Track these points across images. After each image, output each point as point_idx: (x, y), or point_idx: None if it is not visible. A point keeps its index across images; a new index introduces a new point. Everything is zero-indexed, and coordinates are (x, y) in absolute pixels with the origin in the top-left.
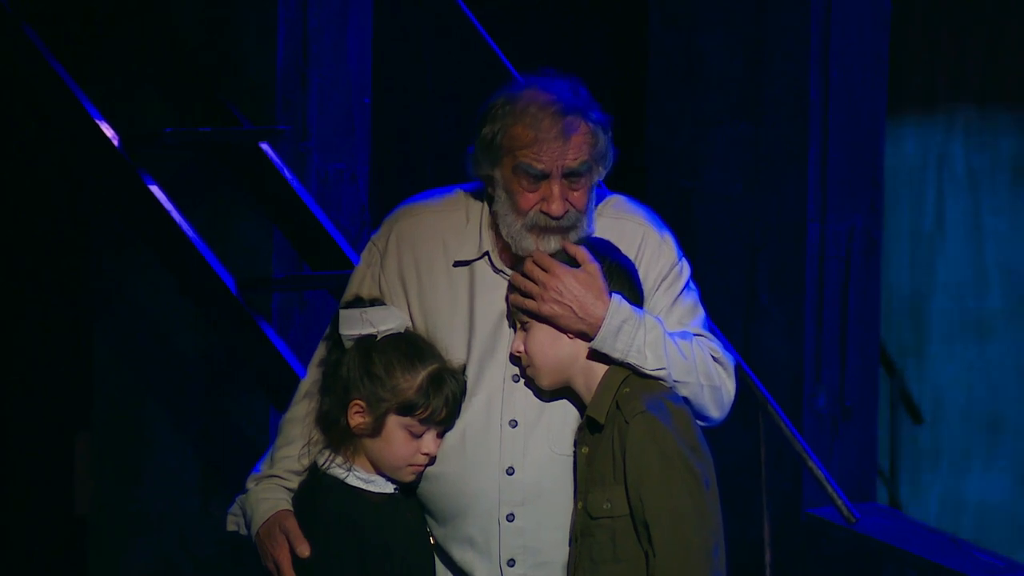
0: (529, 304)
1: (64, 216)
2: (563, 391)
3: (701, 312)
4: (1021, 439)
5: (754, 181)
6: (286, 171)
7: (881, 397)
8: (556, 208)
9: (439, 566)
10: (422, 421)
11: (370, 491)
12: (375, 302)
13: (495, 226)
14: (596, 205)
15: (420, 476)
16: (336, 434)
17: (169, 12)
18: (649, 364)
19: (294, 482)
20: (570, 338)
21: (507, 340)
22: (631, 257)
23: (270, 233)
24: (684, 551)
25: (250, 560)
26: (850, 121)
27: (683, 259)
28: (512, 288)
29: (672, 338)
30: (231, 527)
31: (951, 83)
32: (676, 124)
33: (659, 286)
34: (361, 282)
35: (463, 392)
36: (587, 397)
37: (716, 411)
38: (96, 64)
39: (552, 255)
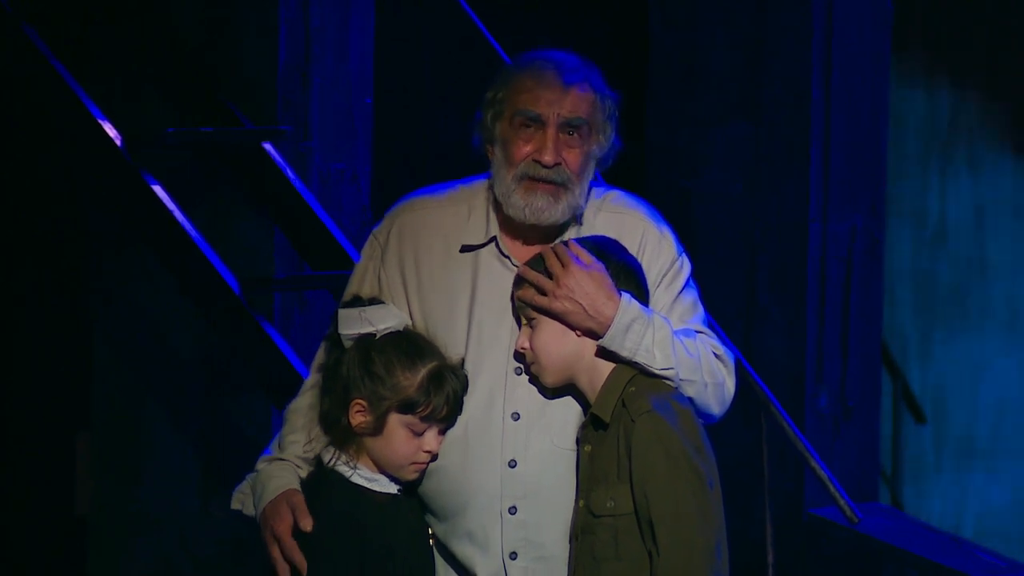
0: (540, 300)
1: (64, 216)
2: (566, 386)
3: (701, 309)
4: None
5: (755, 181)
6: (288, 171)
7: (883, 396)
8: (548, 156)
9: (440, 564)
10: (423, 419)
11: (373, 490)
12: (374, 301)
13: (499, 210)
14: (595, 199)
15: (423, 474)
16: (338, 433)
17: (170, 12)
18: (657, 363)
19: (304, 469)
20: (578, 336)
21: (510, 332)
22: (632, 253)
23: (271, 233)
24: (688, 550)
25: (250, 560)
26: (851, 120)
27: (683, 255)
28: (519, 282)
29: (678, 337)
30: (236, 505)
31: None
32: (676, 123)
33: (660, 282)
34: (363, 276)
35: (464, 389)
36: (591, 395)
37: (718, 408)
38: (97, 64)
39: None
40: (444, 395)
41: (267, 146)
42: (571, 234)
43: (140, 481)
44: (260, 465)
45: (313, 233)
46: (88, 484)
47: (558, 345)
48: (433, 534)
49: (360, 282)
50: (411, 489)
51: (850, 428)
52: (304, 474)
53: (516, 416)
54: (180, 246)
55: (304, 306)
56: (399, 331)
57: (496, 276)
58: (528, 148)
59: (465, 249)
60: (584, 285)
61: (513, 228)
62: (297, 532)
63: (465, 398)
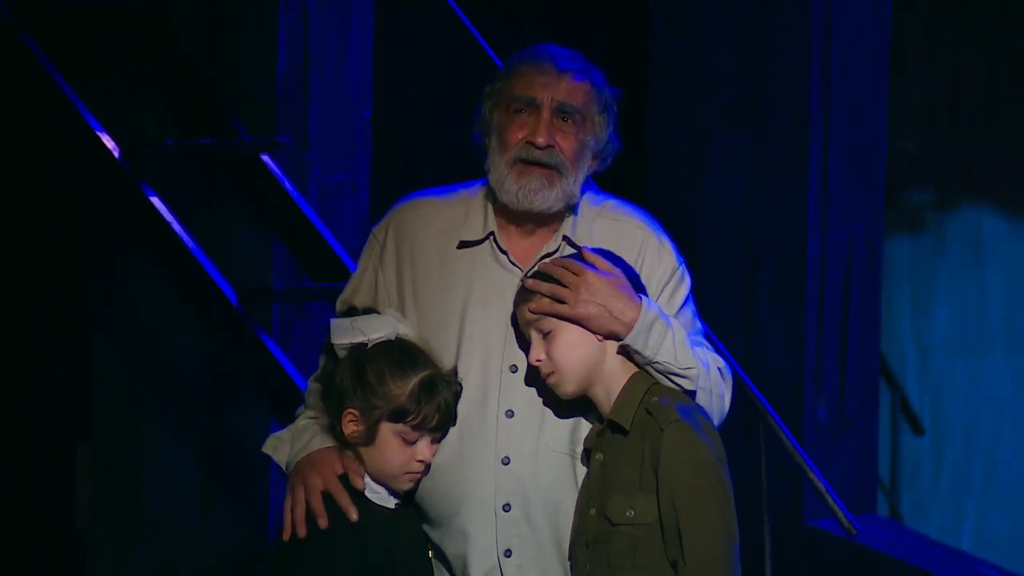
0: (560, 308)
1: (63, 226)
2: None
3: (699, 324)
4: None
5: (754, 189)
6: (286, 182)
7: (882, 408)
8: (541, 137)
9: (435, 563)
10: (415, 427)
11: (376, 504)
12: (367, 311)
13: (497, 208)
14: (593, 206)
15: (417, 485)
16: (334, 443)
17: (169, 21)
18: (680, 363)
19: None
20: (599, 340)
21: (506, 329)
22: (631, 261)
23: (270, 244)
24: (715, 561)
25: (251, 570)
26: (851, 129)
27: (682, 265)
28: (527, 296)
29: (691, 343)
30: (268, 449)
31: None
32: (677, 130)
33: (661, 292)
34: (361, 276)
35: (456, 398)
36: (606, 403)
37: (716, 420)
38: (96, 72)
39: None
40: (435, 404)
41: (266, 157)
42: (566, 229)
43: (140, 491)
44: (302, 421)
45: (312, 244)
46: (88, 495)
47: (579, 350)
48: (430, 541)
49: (359, 282)
50: (408, 502)
51: (848, 439)
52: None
53: (510, 413)
54: (179, 257)
55: (303, 317)
56: (391, 340)
57: (493, 273)
58: (522, 133)
59: (462, 245)
60: (603, 288)
61: (510, 224)
62: (297, 539)
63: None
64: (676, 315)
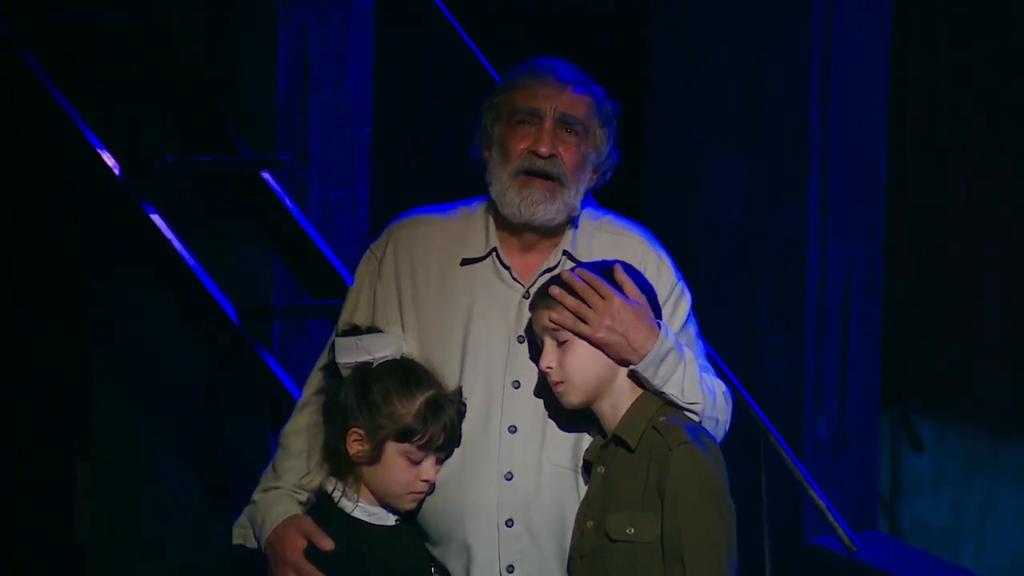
0: (583, 328)
1: (64, 244)
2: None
3: (701, 343)
4: None
5: (754, 206)
6: (287, 199)
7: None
8: (544, 146)
9: None
10: (420, 447)
11: (373, 523)
12: (371, 329)
13: (498, 223)
14: (592, 220)
15: (421, 504)
16: (337, 463)
17: (169, 38)
18: (685, 397)
19: (302, 495)
20: (611, 360)
21: (508, 344)
22: None
23: (270, 261)
24: None
25: None
26: (850, 147)
27: (681, 280)
28: (546, 300)
29: (702, 372)
30: (237, 540)
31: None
32: (676, 149)
33: (662, 309)
34: (359, 294)
35: (461, 417)
36: (611, 417)
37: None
38: (96, 89)
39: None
40: (441, 424)
41: (266, 175)
42: (566, 244)
43: (140, 508)
44: (256, 496)
45: (312, 262)
46: (88, 511)
47: (592, 365)
48: (433, 558)
49: (356, 300)
50: (410, 521)
51: (849, 456)
52: (303, 499)
53: (513, 429)
54: (179, 275)
55: (303, 335)
56: (396, 359)
57: (495, 289)
58: (525, 143)
59: (465, 262)
60: (628, 318)
61: (511, 237)
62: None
63: None
64: (679, 333)
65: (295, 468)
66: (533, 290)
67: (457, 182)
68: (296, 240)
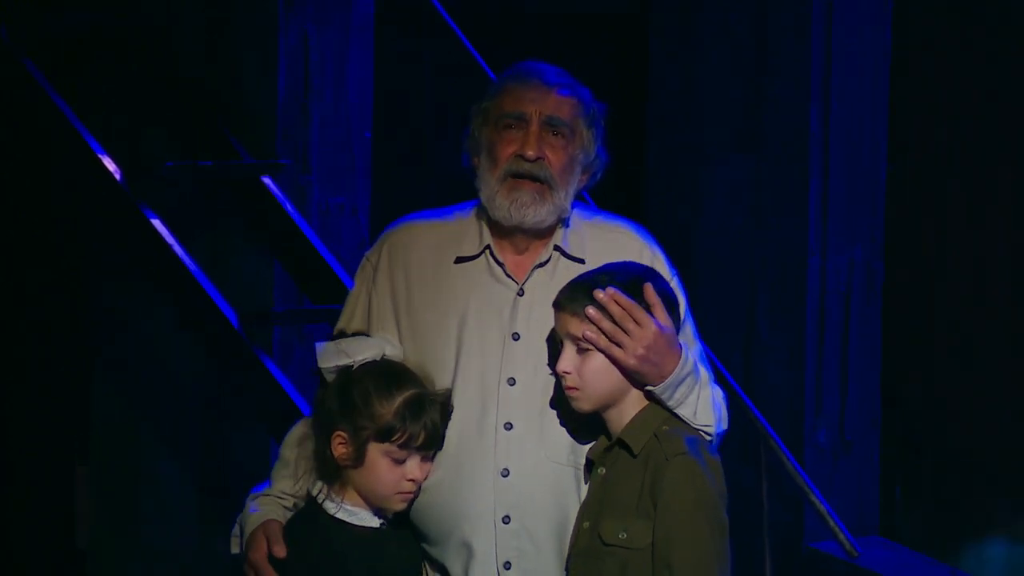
0: (615, 351)
1: (64, 249)
2: (560, 400)
3: (699, 345)
4: None
5: (754, 212)
6: (287, 204)
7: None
8: (531, 149)
9: None
10: (401, 446)
11: (355, 524)
12: (355, 333)
13: (491, 223)
14: (586, 219)
15: (411, 505)
16: (324, 467)
17: (170, 44)
18: (698, 420)
19: (289, 500)
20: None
21: (504, 343)
22: None
23: (271, 266)
24: None
25: None
26: (851, 152)
27: (676, 276)
28: (576, 308)
29: (712, 392)
30: (235, 549)
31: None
32: (676, 156)
33: None
34: (356, 301)
35: (445, 417)
36: (617, 423)
37: None
38: (96, 95)
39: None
40: (421, 423)
41: (266, 180)
42: (557, 240)
43: (140, 515)
44: (247, 502)
45: (312, 267)
46: (88, 518)
47: (608, 379)
48: (429, 558)
49: (354, 307)
50: (400, 524)
51: (849, 461)
52: (290, 505)
53: (509, 426)
54: (179, 279)
55: (304, 340)
56: (376, 360)
57: (489, 287)
58: (512, 147)
59: (459, 261)
60: (661, 347)
61: (503, 239)
62: (279, 564)
63: (457, 409)
64: (679, 333)
65: (286, 476)
66: (527, 287)
67: (457, 187)
68: (296, 245)
